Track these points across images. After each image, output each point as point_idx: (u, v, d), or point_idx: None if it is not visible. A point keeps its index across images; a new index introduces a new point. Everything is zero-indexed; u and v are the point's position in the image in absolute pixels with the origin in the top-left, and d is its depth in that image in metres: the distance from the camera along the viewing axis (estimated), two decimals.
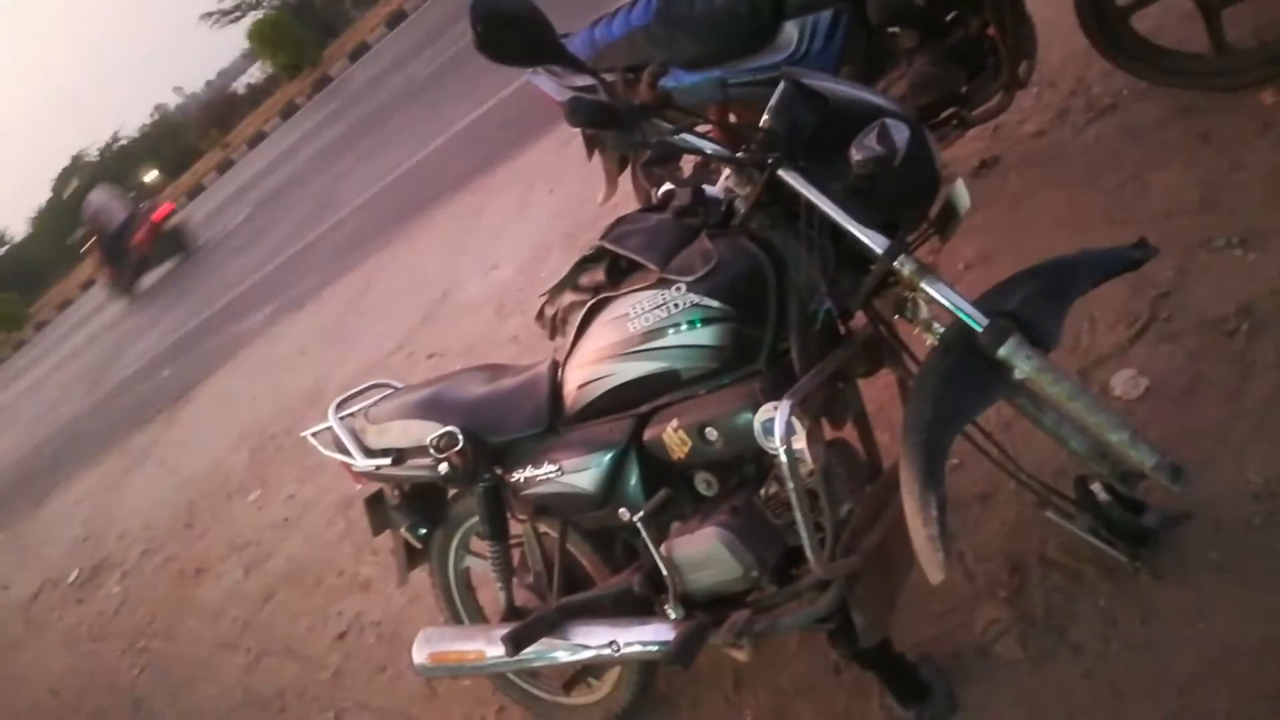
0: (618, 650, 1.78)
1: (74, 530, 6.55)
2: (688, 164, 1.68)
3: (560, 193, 5.43)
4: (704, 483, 1.69)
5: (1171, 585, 1.67)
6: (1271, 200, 2.23)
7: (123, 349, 12.46)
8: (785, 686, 2.01)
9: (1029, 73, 2.68)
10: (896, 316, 1.60)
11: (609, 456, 1.71)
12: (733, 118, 2.79)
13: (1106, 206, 2.55)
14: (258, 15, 27.57)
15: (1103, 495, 1.69)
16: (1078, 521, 1.73)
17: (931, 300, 1.48)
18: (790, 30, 2.59)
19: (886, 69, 2.65)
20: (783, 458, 1.42)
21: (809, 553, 1.49)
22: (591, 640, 1.81)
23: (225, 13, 30.64)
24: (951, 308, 1.45)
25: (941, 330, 1.53)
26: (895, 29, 2.56)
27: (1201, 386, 1.97)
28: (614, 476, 1.72)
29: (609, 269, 1.70)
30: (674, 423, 1.61)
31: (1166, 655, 1.60)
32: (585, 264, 1.76)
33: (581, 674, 2.04)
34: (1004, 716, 1.69)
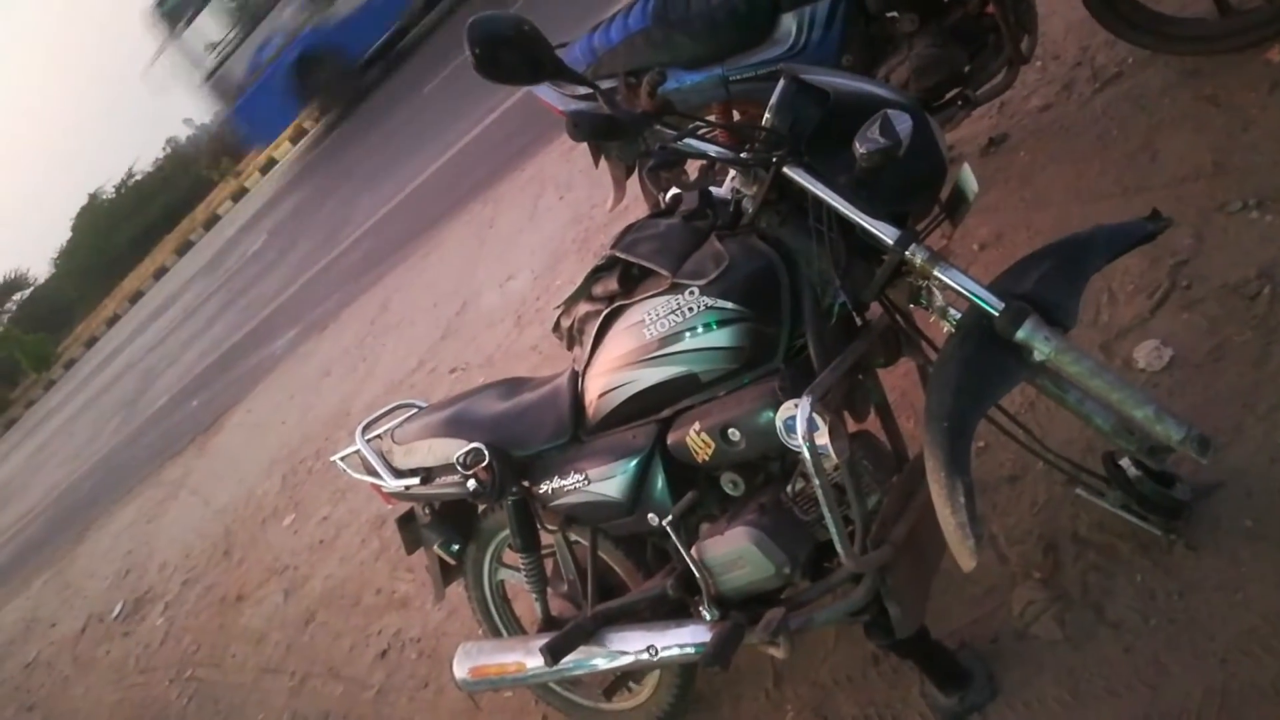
0: (655, 654, 1.78)
1: (115, 564, 6.64)
2: (693, 167, 1.69)
3: (570, 199, 5.45)
4: (730, 483, 1.70)
5: (1207, 556, 1.66)
6: None
7: (151, 381, 12.61)
8: (825, 680, 2.01)
9: (1031, 47, 2.66)
10: (912, 305, 1.60)
11: (634, 463, 1.72)
12: (736, 115, 2.79)
13: (1118, 177, 2.54)
14: None
15: (1132, 470, 1.68)
16: (1109, 498, 1.72)
17: (946, 287, 1.47)
18: (788, 23, 2.59)
19: (888, 54, 2.64)
20: (806, 454, 1.43)
21: (839, 547, 1.50)
22: (629, 646, 1.82)
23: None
24: (966, 293, 1.45)
25: (958, 316, 1.52)
26: (894, 13, 2.55)
27: (1226, 353, 1.95)
28: (640, 482, 1.73)
29: (622, 277, 1.71)
30: (696, 425, 1.61)
31: (1206, 627, 1.59)
32: (598, 273, 1.77)
33: (621, 679, 2.05)
34: (1046, 697, 1.68)
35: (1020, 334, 1.40)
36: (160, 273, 26.49)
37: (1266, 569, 1.59)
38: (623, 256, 1.70)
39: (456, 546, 2.23)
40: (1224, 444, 1.78)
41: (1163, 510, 1.68)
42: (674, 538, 1.67)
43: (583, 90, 2.69)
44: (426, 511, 2.21)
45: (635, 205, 3.70)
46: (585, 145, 3.17)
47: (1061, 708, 1.66)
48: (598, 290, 1.76)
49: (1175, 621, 1.63)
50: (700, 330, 1.57)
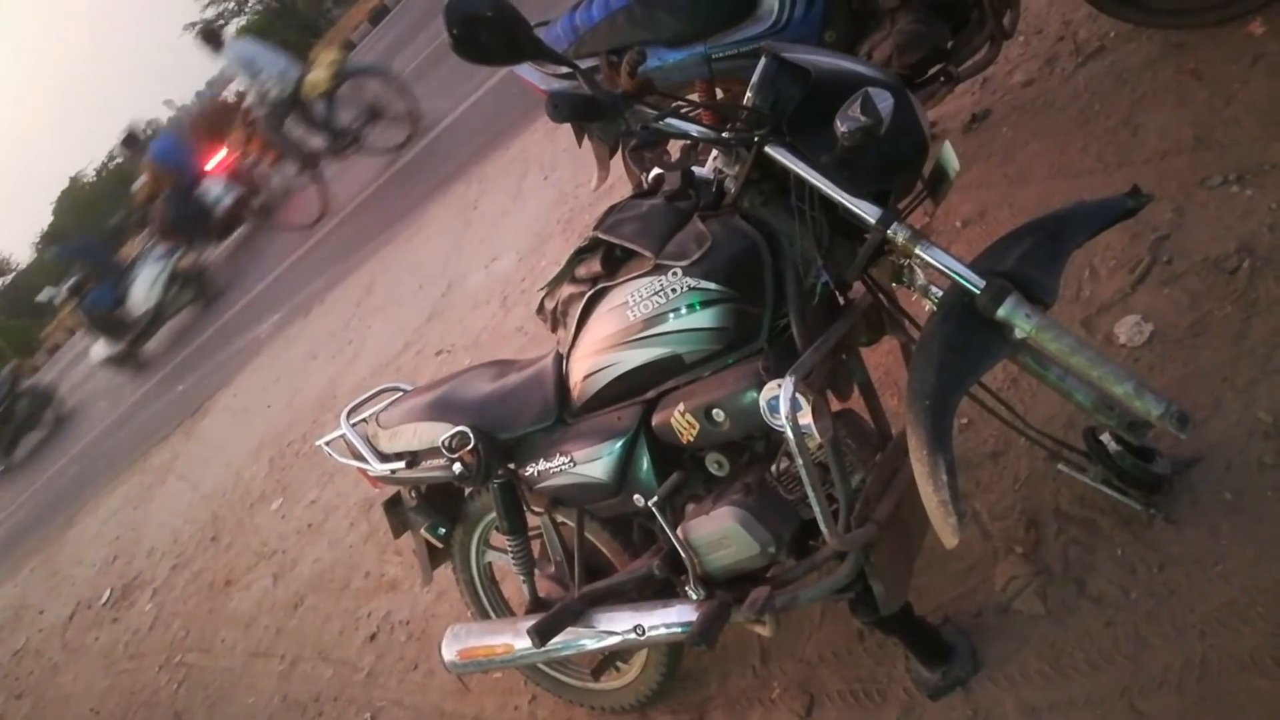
0: (643, 634, 1.80)
1: (103, 550, 6.62)
2: (676, 147, 1.68)
3: (554, 179, 5.42)
4: (715, 463, 1.70)
5: (1187, 530, 1.68)
6: (1267, 133, 2.21)
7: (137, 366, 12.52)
8: (810, 656, 2.03)
9: (1014, 22, 2.65)
10: (894, 284, 1.60)
11: (619, 444, 1.72)
12: (719, 93, 2.78)
13: (1100, 152, 2.54)
14: (241, 22, 27.47)
15: (1113, 445, 1.69)
16: (1090, 473, 1.73)
17: (928, 265, 1.48)
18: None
19: (870, 30, 2.62)
20: (790, 434, 1.43)
21: (823, 526, 1.51)
22: (616, 626, 1.83)
23: (208, 22, 30.57)
24: (948, 271, 1.45)
25: (940, 294, 1.53)
26: None
27: (1206, 327, 1.97)
28: (626, 464, 1.74)
29: (605, 258, 1.70)
30: (680, 406, 1.61)
31: (1186, 599, 1.61)
32: (581, 255, 1.77)
33: (609, 659, 2.07)
34: (1028, 671, 1.70)
35: (1001, 312, 1.40)
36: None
37: (1245, 542, 1.61)
38: (605, 238, 1.69)
39: (443, 530, 2.23)
40: (1203, 419, 1.80)
41: (1143, 485, 1.70)
42: (660, 518, 1.68)
43: (564, 70, 2.67)
44: (413, 495, 2.21)
45: (620, 184, 3.69)
46: (568, 125, 3.15)
47: (1044, 680, 1.67)
48: (581, 272, 1.75)
49: (1155, 594, 1.65)
50: (684, 311, 1.57)
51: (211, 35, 8.58)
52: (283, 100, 8.25)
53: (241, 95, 9.77)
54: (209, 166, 10.47)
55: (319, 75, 8.17)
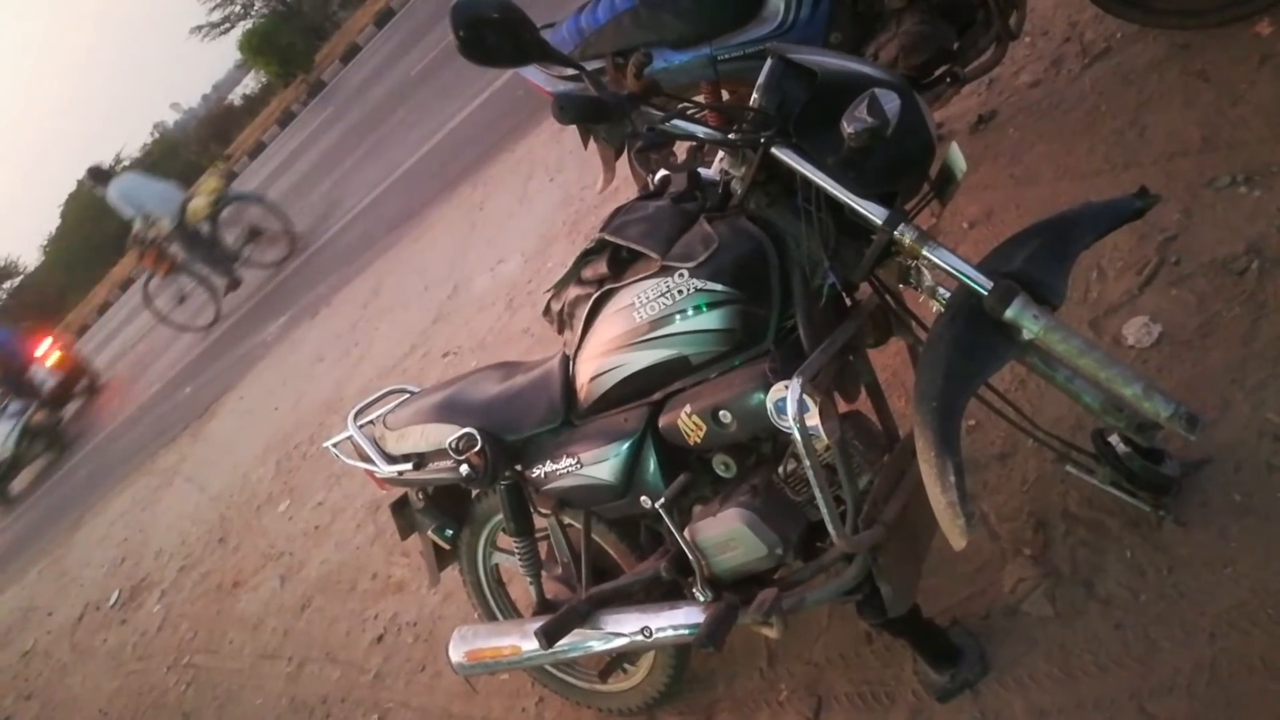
0: (650, 636, 1.80)
1: (111, 552, 6.64)
2: (682, 149, 1.68)
3: (560, 180, 5.43)
4: (722, 465, 1.70)
5: (1196, 531, 1.67)
6: (1274, 134, 2.20)
7: (144, 369, 12.57)
8: (818, 658, 2.03)
9: (1020, 23, 2.65)
10: (901, 285, 1.60)
11: (626, 446, 1.72)
12: (725, 94, 2.78)
13: (1107, 153, 2.53)
14: (247, 25, 27.53)
15: (1121, 447, 1.68)
16: (1098, 474, 1.73)
17: (935, 266, 1.47)
18: (775, 1, 2.57)
19: (876, 31, 2.62)
20: (797, 435, 1.43)
21: (830, 527, 1.50)
22: (623, 628, 1.83)
23: (214, 25, 30.68)
24: (955, 272, 1.45)
25: (947, 295, 1.52)
26: None
27: (1214, 329, 1.96)
28: (632, 465, 1.73)
29: (611, 260, 1.70)
30: (687, 408, 1.61)
31: (1196, 602, 1.60)
32: (587, 256, 1.77)
33: (616, 661, 2.07)
34: (1037, 673, 1.70)
35: (1009, 313, 1.40)
36: None
37: (1255, 543, 1.60)
38: (612, 239, 1.69)
39: (450, 531, 2.24)
40: (1212, 420, 1.79)
41: (1152, 486, 1.69)
42: (667, 520, 1.68)
43: (569, 71, 2.67)
44: (420, 497, 2.21)
45: (626, 186, 3.69)
46: (574, 127, 3.15)
47: (1052, 683, 1.67)
48: (587, 274, 1.75)
49: (1165, 597, 1.64)
50: (690, 313, 1.57)
51: (100, 174, 9.48)
52: (169, 226, 9.19)
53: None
54: (38, 353, 12.39)
55: (199, 203, 9.18)
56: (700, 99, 2.66)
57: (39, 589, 7.29)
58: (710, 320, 1.56)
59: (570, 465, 1.81)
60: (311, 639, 3.64)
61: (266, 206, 9.71)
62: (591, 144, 3.12)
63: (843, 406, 1.70)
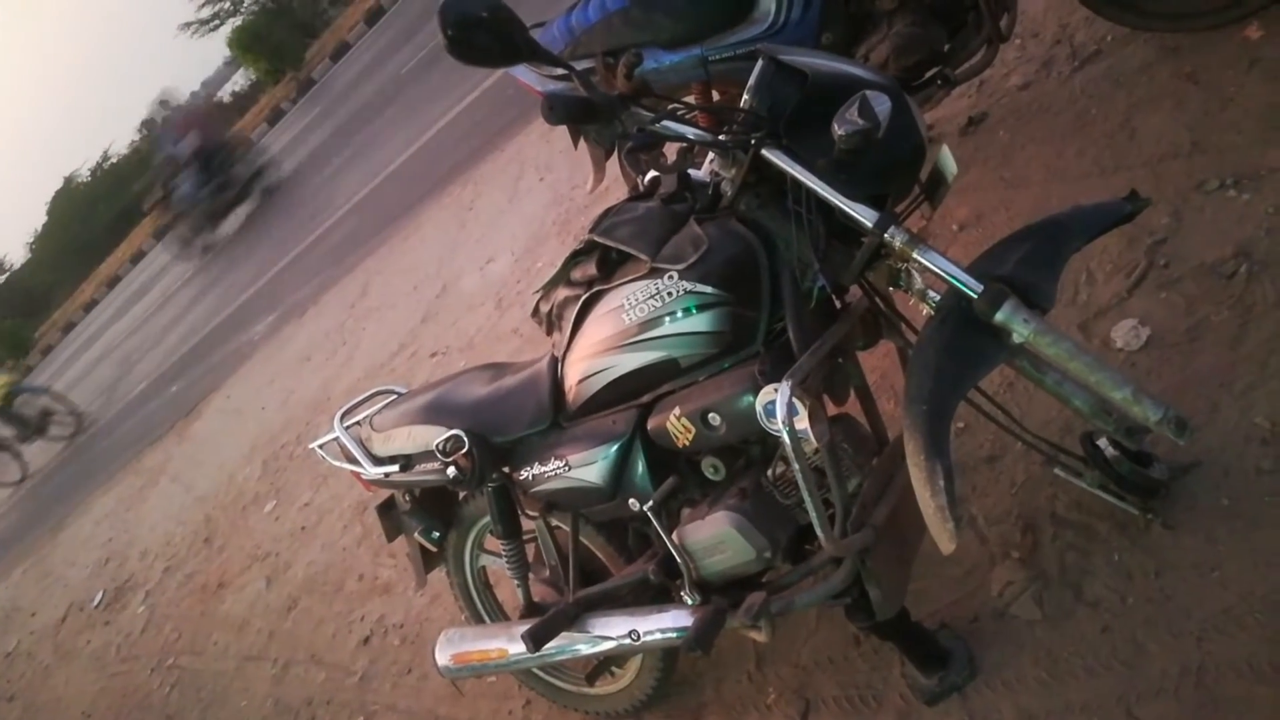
0: (637, 639, 1.79)
1: (95, 552, 6.60)
2: (672, 150, 1.67)
3: (550, 180, 5.41)
4: (711, 468, 1.69)
5: (1184, 535, 1.67)
6: (1263, 137, 2.21)
7: (130, 367, 12.51)
8: (806, 661, 2.02)
9: (1011, 25, 2.65)
10: (891, 288, 1.60)
11: (614, 448, 1.71)
12: (716, 95, 2.77)
13: (1097, 156, 2.54)
14: (236, 22, 27.39)
15: (1110, 450, 1.68)
16: (1087, 478, 1.73)
17: (925, 269, 1.47)
18: (767, 1, 2.56)
19: (867, 32, 2.62)
20: (786, 438, 1.42)
21: (819, 530, 1.50)
22: (611, 631, 1.82)
23: (204, 22, 30.45)
24: (945, 275, 1.45)
25: (937, 298, 1.52)
26: None
27: (1203, 332, 1.96)
28: (621, 468, 1.72)
29: (600, 261, 1.69)
30: (676, 411, 1.61)
31: (1183, 606, 1.60)
32: (576, 258, 1.76)
33: (604, 664, 2.06)
34: (1025, 676, 1.69)
35: (999, 316, 1.40)
36: (138, 257, 26.24)
37: (1242, 548, 1.60)
38: (601, 241, 1.69)
39: (437, 533, 2.22)
40: (1201, 424, 1.79)
41: (1140, 490, 1.69)
42: (655, 523, 1.67)
43: (560, 71, 2.66)
44: (407, 498, 2.20)
45: (616, 186, 3.68)
46: (564, 127, 3.14)
47: (1040, 686, 1.67)
48: (576, 275, 1.74)
49: (1152, 600, 1.64)
50: (680, 315, 1.56)
51: None
52: None
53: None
54: None
55: None
56: (691, 100, 2.65)
57: (22, 589, 7.23)
58: (700, 322, 1.55)
59: (558, 467, 1.80)
60: (297, 640, 3.61)
61: (53, 395, 11.82)
62: (582, 144, 3.11)
63: (832, 409, 1.69)
